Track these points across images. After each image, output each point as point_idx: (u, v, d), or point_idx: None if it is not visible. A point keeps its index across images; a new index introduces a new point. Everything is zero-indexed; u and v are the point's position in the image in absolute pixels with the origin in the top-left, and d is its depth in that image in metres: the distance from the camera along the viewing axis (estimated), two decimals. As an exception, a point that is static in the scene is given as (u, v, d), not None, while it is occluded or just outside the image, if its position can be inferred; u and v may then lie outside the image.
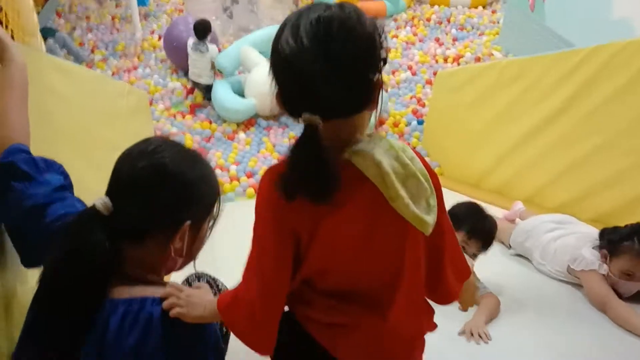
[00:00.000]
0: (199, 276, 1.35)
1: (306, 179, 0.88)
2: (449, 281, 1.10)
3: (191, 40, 5.10)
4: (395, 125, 4.94)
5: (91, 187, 1.87)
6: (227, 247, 2.91)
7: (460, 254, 1.14)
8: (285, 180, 0.89)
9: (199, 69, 5.12)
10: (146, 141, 1.07)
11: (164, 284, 1.04)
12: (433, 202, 0.97)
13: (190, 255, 1.10)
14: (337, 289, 1.02)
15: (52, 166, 1.21)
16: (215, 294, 1.28)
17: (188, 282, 1.33)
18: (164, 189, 1.00)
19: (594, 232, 2.15)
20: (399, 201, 0.92)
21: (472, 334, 1.73)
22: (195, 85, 5.33)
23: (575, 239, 2.16)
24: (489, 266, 2.01)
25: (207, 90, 5.23)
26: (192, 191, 1.04)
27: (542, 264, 2.23)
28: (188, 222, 1.02)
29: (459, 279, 1.12)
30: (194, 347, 0.98)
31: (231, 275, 2.48)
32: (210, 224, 1.13)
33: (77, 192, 1.74)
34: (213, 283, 1.35)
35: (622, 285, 1.93)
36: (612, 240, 1.96)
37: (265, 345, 1.00)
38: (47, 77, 1.62)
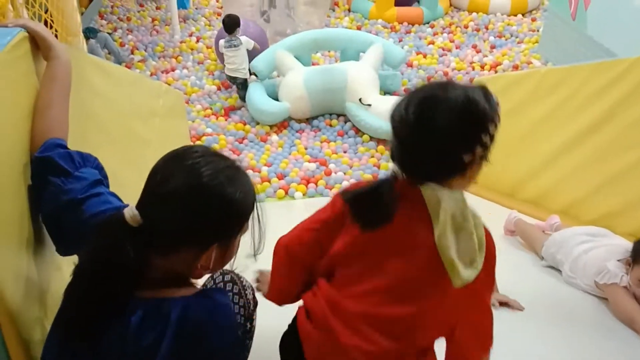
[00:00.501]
0: (224, 274, 1.35)
1: (363, 209, 1.12)
2: (465, 345, 1.13)
3: (222, 40, 5.23)
4: (429, 132, 4.89)
5: (126, 182, 1.91)
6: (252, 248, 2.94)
7: (486, 325, 1.16)
8: (354, 200, 1.14)
9: (235, 64, 5.21)
10: (185, 152, 1.02)
11: (190, 285, 1.05)
12: (477, 263, 1.04)
13: (217, 268, 1.08)
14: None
15: (87, 160, 1.22)
16: (239, 292, 1.31)
17: (212, 278, 1.34)
18: (197, 210, 0.96)
19: (626, 244, 2.08)
20: (442, 241, 1.02)
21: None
22: (232, 81, 5.40)
23: (604, 252, 2.10)
24: (519, 277, 1.97)
25: (243, 85, 5.31)
26: (226, 213, 1.00)
27: (572, 277, 2.16)
28: (215, 245, 1.00)
29: (479, 347, 1.15)
30: (210, 345, 0.96)
31: (254, 275, 2.50)
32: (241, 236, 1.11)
33: (113, 186, 1.78)
34: (237, 280, 1.34)
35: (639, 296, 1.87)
36: (637, 250, 1.92)
37: (274, 291, 1.32)
38: (88, 75, 1.66)
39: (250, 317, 1.34)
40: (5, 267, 1.07)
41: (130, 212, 0.95)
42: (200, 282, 1.26)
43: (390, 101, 4.82)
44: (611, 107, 2.68)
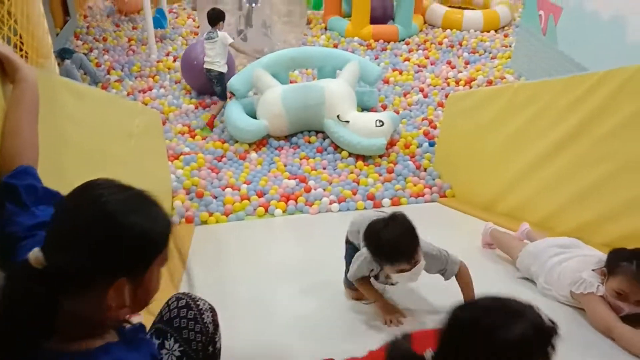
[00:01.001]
0: (179, 298, 1.29)
1: None
2: None
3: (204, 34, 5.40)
4: (407, 146, 4.95)
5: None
6: (235, 266, 2.93)
7: None
8: None
9: (211, 56, 5.33)
10: (88, 185, 0.97)
11: (104, 334, 0.98)
12: None
13: (138, 304, 0.98)
14: None
15: (54, 197, 1.17)
16: (194, 317, 1.26)
17: (168, 304, 1.30)
18: (100, 242, 0.89)
19: (598, 254, 2.13)
20: None
21: None
22: (209, 74, 5.43)
23: (578, 262, 2.14)
24: (495, 289, 1.98)
25: (219, 80, 5.38)
26: (132, 243, 0.92)
27: (548, 288, 2.19)
28: (123, 279, 0.92)
29: None
30: None
31: (238, 294, 2.48)
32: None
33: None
34: (193, 304, 1.28)
35: (613, 306, 1.89)
36: (612, 260, 1.95)
37: None
38: (60, 99, 1.65)
39: (211, 340, 1.30)
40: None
41: (34, 254, 0.89)
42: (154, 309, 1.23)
43: (368, 117, 4.92)
44: (582, 120, 2.74)
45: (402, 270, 1.84)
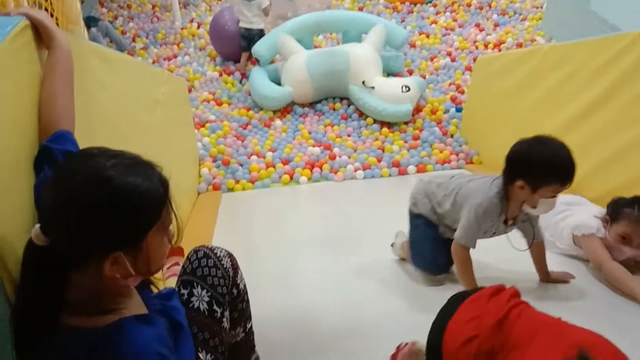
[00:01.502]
0: (197, 250, 1.32)
1: None
2: None
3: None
4: (433, 112, 4.88)
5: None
6: (261, 233, 2.97)
7: None
8: None
9: (248, 17, 5.51)
10: (82, 153, 0.97)
11: (119, 307, 0.98)
12: None
13: (142, 271, 0.96)
14: None
15: None
16: (214, 264, 1.28)
17: (188, 258, 1.32)
18: (101, 207, 0.88)
19: (600, 209, 2.27)
20: None
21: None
22: (248, 34, 5.57)
23: (580, 214, 2.27)
24: (501, 246, 1.98)
25: (260, 36, 5.49)
26: (132, 205, 0.90)
27: (552, 241, 2.30)
28: (118, 252, 0.90)
29: None
30: None
31: (263, 260, 2.52)
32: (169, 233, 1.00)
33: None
34: (211, 253, 1.31)
35: (616, 250, 2.03)
36: (614, 207, 2.09)
37: None
38: (89, 63, 1.66)
39: (234, 283, 1.33)
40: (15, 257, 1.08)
41: (35, 231, 0.89)
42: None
43: (393, 83, 4.85)
44: (614, 82, 2.66)
45: (554, 195, 1.72)
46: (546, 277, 2.03)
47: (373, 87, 4.80)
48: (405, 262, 2.26)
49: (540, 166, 1.71)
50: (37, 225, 0.90)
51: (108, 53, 1.93)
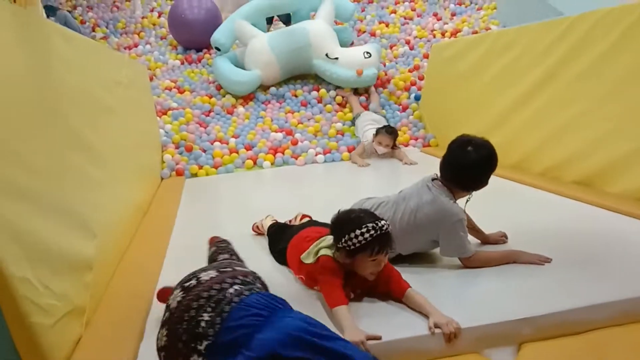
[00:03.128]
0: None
1: None
2: None
3: None
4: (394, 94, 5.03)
5: (94, 147, 1.98)
6: (225, 213, 3.05)
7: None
8: None
9: None
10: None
11: None
12: None
13: None
14: None
15: None
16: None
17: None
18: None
19: None
20: None
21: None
22: None
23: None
24: None
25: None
26: None
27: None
28: None
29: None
30: None
31: (230, 235, 2.60)
32: None
33: (81, 151, 1.84)
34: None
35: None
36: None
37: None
38: (51, 42, 1.70)
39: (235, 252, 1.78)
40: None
41: None
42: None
43: (355, 51, 4.98)
44: (556, 63, 2.83)
45: None
46: (486, 240, 2.09)
47: (337, 58, 4.93)
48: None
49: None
50: None
51: (70, 33, 1.96)
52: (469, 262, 1.86)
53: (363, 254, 1.58)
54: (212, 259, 1.73)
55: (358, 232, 1.57)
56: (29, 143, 1.39)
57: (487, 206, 2.15)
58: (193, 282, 1.26)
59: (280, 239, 2.08)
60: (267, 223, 2.38)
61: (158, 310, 1.67)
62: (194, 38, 5.67)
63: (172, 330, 1.16)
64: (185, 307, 1.18)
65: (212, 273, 1.29)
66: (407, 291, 1.62)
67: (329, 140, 4.47)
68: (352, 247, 1.58)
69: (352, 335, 1.38)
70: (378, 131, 4.13)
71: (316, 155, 4.28)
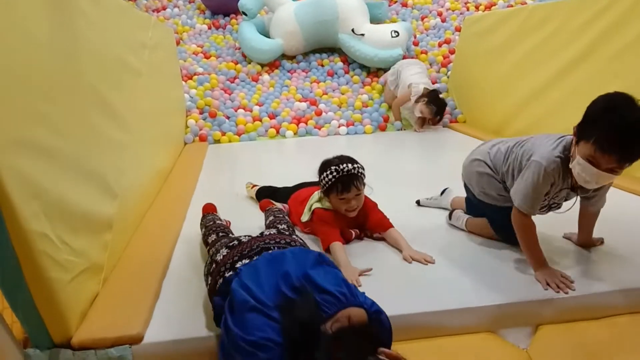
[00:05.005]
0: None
1: None
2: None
3: None
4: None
5: (118, 109, 1.98)
6: (244, 181, 3.04)
7: None
8: None
9: None
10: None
11: None
12: None
13: None
14: None
15: None
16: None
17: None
18: None
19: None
20: None
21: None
22: None
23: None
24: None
25: None
26: None
27: None
28: None
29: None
30: None
31: (243, 205, 2.60)
32: None
33: (104, 114, 1.84)
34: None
35: None
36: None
37: None
38: (76, 3, 1.68)
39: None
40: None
41: None
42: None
43: (383, 29, 4.86)
44: (594, 40, 2.72)
45: (591, 160, 1.43)
46: (587, 242, 1.81)
47: (363, 35, 4.81)
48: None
49: (591, 118, 1.47)
50: None
51: (95, -8, 1.94)
52: (513, 218, 1.62)
53: (332, 194, 1.87)
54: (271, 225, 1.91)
55: (324, 174, 1.86)
56: (53, 103, 1.39)
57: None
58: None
59: (275, 200, 2.35)
60: (253, 193, 2.58)
61: (174, 272, 1.74)
62: (222, 2, 5.62)
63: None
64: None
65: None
66: (389, 229, 1.90)
67: (353, 113, 4.41)
68: (323, 188, 1.90)
69: (347, 272, 1.57)
70: (426, 96, 3.97)
71: (339, 127, 4.24)
